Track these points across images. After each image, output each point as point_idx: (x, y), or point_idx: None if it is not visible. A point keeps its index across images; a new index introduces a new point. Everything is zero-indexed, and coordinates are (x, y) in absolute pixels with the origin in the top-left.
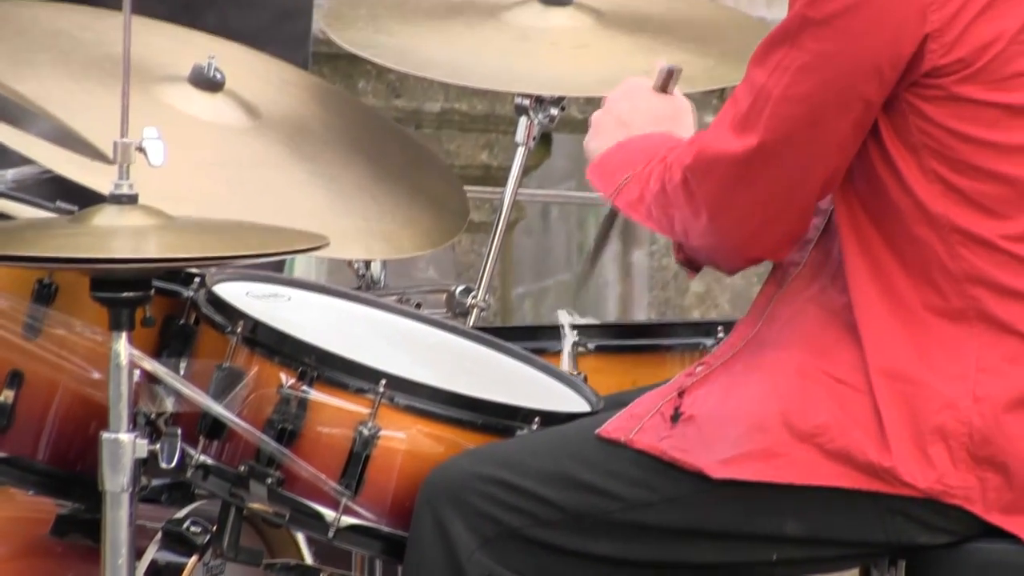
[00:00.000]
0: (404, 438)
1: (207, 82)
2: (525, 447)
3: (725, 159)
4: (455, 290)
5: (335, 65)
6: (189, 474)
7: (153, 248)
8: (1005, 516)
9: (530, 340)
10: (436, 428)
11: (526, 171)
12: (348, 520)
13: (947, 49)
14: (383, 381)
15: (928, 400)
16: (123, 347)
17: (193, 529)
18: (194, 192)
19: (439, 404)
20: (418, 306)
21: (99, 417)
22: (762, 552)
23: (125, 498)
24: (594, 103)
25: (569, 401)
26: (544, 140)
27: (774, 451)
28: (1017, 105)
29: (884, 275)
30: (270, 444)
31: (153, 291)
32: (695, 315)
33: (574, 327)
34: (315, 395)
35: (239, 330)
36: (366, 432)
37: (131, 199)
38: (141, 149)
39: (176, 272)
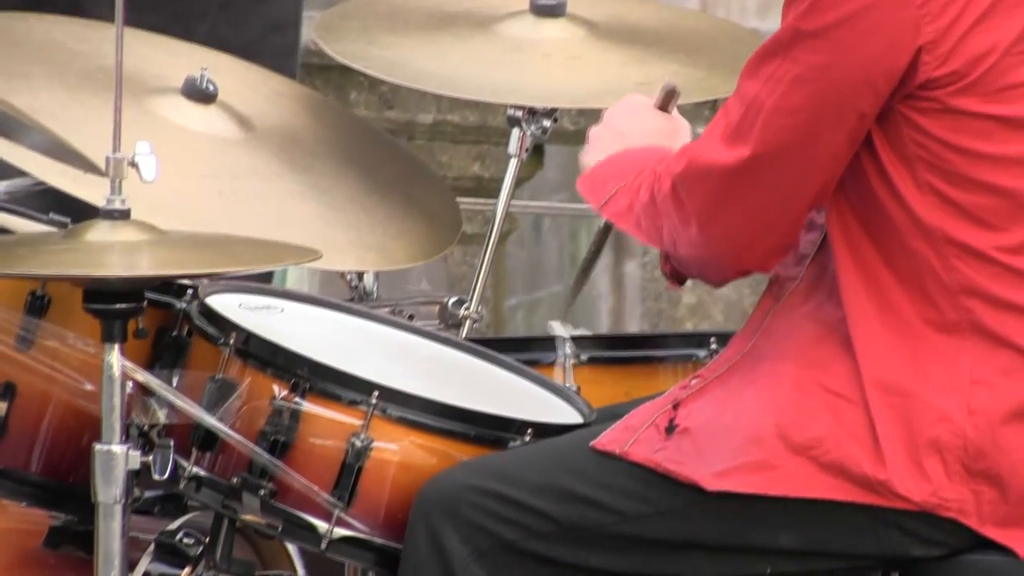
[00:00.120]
0: (397, 450)
1: (200, 94)
2: (519, 459)
3: (716, 170)
4: (448, 302)
5: (327, 77)
6: (182, 486)
7: (146, 264)
8: (1000, 529)
9: (523, 352)
10: (429, 440)
11: (518, 183)
12: (341, 532)
13: (941, 61)
14: (376, 393)
15: (923, 413)
16: (116, 359)
17: (186, 541)
18: (186, 203)
19: (432, 416)
20: (411, 318)
21: (92, 429)
22: (757, 564)
23: (118, 510)
24: (587, 115)
25: (562, 413)
26: (536, 152)
27: (769, 463)
28: (1012, 117)
29: (878, 287)
30: (263, 456)
31: (146, 303)
32: (688, 326)
33: (569, 338)
34: (308, 407)
35: (232, 342)
36: (359, 444)
37: (123, 214)
38: (133, 164)
39: (169, 284)
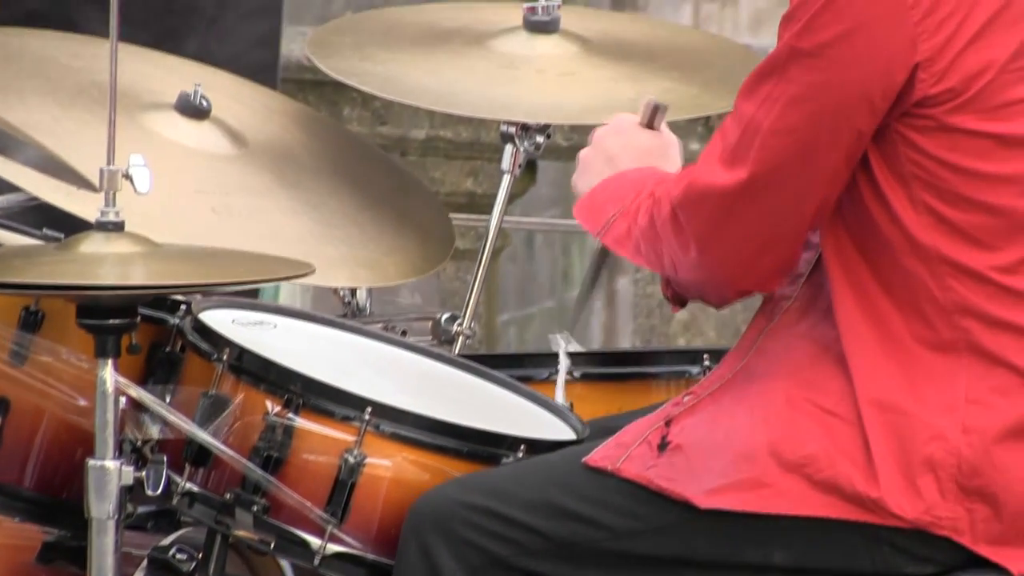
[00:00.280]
0: (390, 466)
1: (193, 110)
2: (511, 475)
3: (715, 192)
4: (440, 318)
5: (320, 92)
6: (175, 501)
7: (139, 275)
8: (993, 547)
9: (516, 368)
10: (422, 456)
11: (511, 198)
12: (334, 548)
13: (937, 78)
14: (369, 409)
15: (917, 431)
16: (109, 374)
17: (179, 556)
18: (179, 219)
19: (425, 432)
20: (404, 334)
21: (85, 444)
22: None
23: (111, 525)
24: (580, 130)
25: (555, 429)
26: (529, 167)
27: (762, 481)
28: (1008, 135)
29: (872, 306)
30: (256, 471)
31: (139, 318)
32: (680, 343)
33: (566, 353)
34: (301, 423)
35: (225, 357)
36: (352, 460)
37: (117, 226)
38: (128, 176)
39: (162, 299)
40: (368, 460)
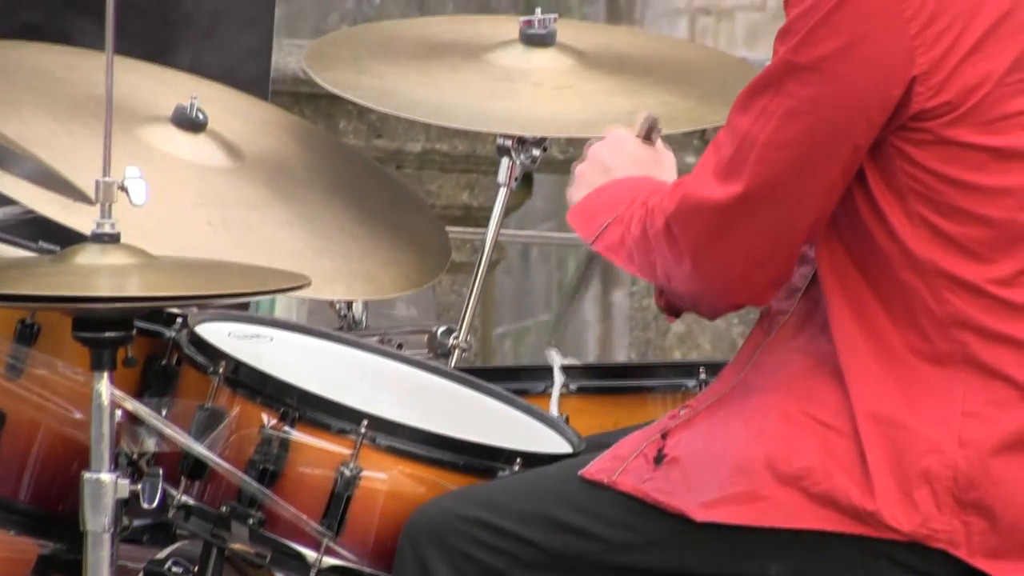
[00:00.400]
0: (386, 479)
1: (189, 123)
2: (507, 488)
3: (709, 206)
4: (436, 331)
5: (316, 105)
6: (171, 514)
7: (135, 287)
8: (990, 560)
9: (512, 381)
10: (418, 469)
11: (507, 211)
12: (330, 561)
13: (935, 92)
14: (365, 422)
15: (913, 444)
16: (105, 387)
17: (175, 570)
18: (175, 232)
19: (421, 445)
20: (399, 347)
21: (81, 457)
22: None
23: (106, 538)
24: (576, 144)
25: (551, 442)
26: (525, 181)
27: (758, 494)
28: (1004, 148)
29: (869, 319)
30: (252, 484)
31: (135, 331)
32: (676, 356)
33: (560, 367)
34: (297, 436)
35: (221, 370)
36: (348, 473)
37: (113, 238)
38: (123, 188)
39: (158, 312)
40: (364, 473)
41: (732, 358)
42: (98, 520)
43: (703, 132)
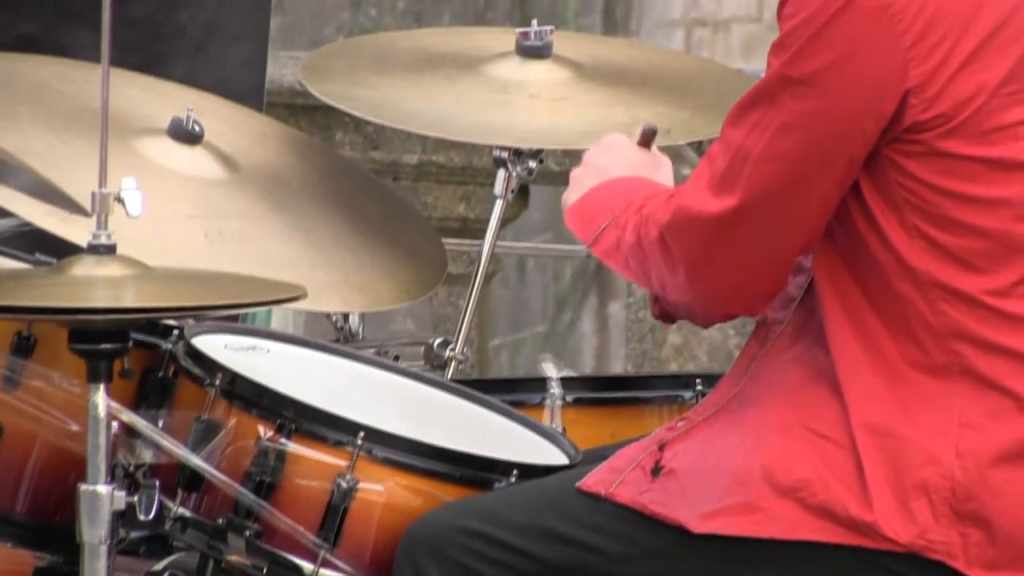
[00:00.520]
0: (382, 490)
1: (186, 135)
2: (504, 500)
3: (703, 219)
4: (433, 342)
5: (312, 117)
6: (167, 526)
7: (131, 298)
8: (986, 572)
9: (508, 392)
10: (414, 481)
11: (503, 223)
12: (326, 573)
13: (928, 104)
14: (361, 434)
15: (911, 455)
16: (101, 399)
17: None
18: (172, 244)
19: (417, 457)
20: (396, 358)
21: (77, 469)
22: None
23: (103, 550)
24: (572, 155)
25: (548, 454)
26: (521, 192)
27: (755, 506)
28: (998, 159)
29: (865, 331)
30: (248, 496)
31: (131, 343)
32: (672, 367)
33: (570, 380)
34: (293, 447)
35: (217, 382)
36: (344, 485)
37: (109, 249)
38: (119, 199)
39: (154, 324)
40: (361, 485)
41: (728, 369)
42: (94, 532)
43: (699, 144)
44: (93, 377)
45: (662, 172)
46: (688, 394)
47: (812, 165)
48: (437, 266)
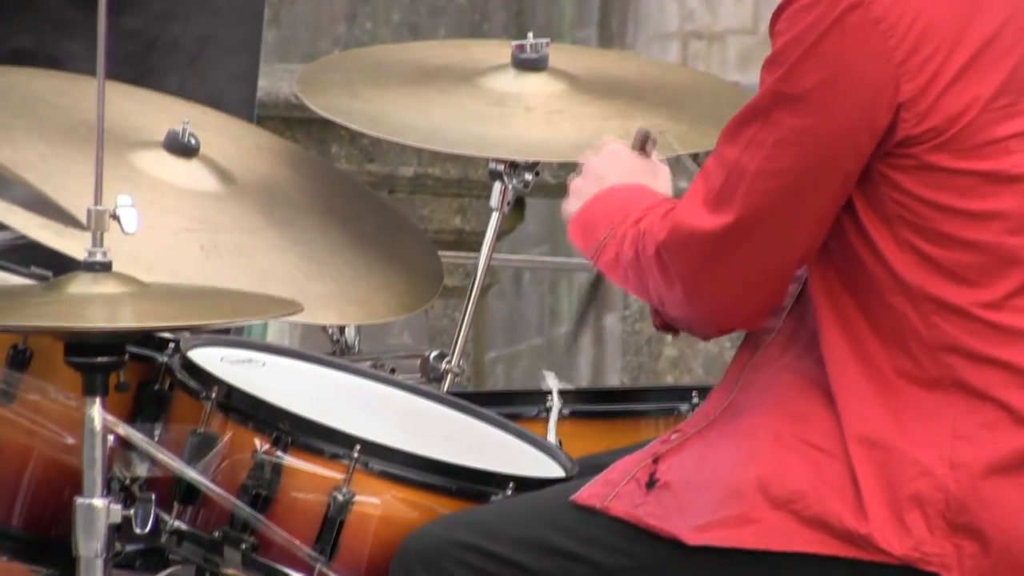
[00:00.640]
0: (379, 503)
1: (181, 148)
2: (500, 513)
3: (699, 236)
4: (429, 355)
5: (308, 130)
6: (163, 539)
7: (128, 316)
8: None
9: (505, 405)
10: (411, 494)
11: (499, 236)
12: None
13: (920, 118)
14: (357, 446)
15: (904, 467)
16: (97, 412)
17: None
18: (168, 257)
19: (413, 470)
20: (392, 371)
21: (73, 482)
22: None
23: (99, 563)
24: (568, 168)
25: (544, 466)
26: (517, 205)
27: (750, 517)
28: (990, 172)
29: (859, 343)
30: (244, 509)
31: (127, 356)
32: (668, 380)
33: (558, 392)
34: (289, 460)
35: (213, 395)
36: (340, 497)
37: (105, 266)
38: (115, 216)
39: (150, 337)
40: (357, 498)
41: (720, 379)
42: (91, 545)
43: (695, 156)
44: (89, 390)
45: (660, 179)
46: (684, 406)
47: (807, 181)
48: (433, 279)
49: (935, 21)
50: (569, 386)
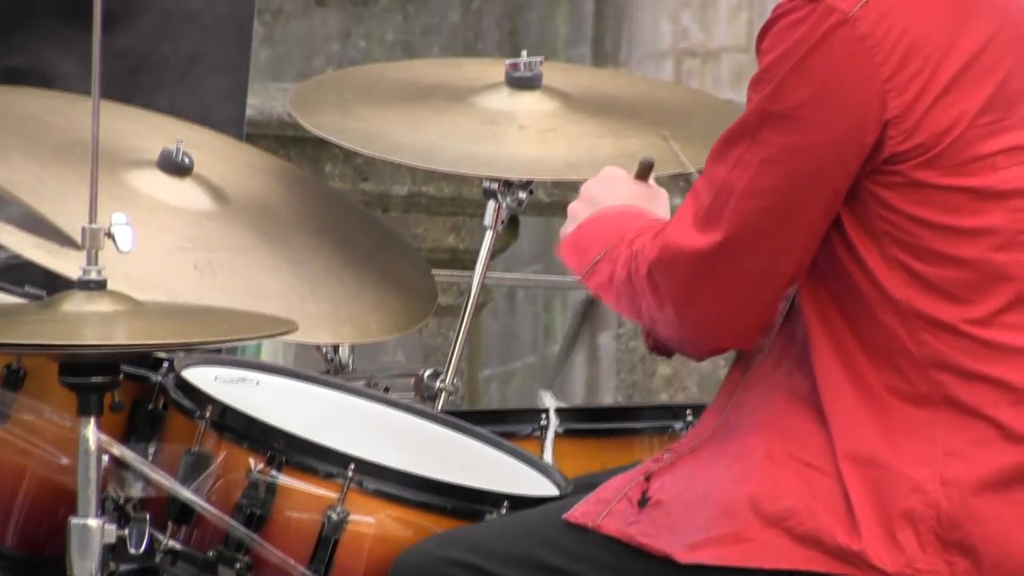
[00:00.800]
0: (373, 522)
1: (175, 167)
2: (492, 531)
3: (689, 255)
4: (423, 374)
5: (302, 149)
6: (158, 559)
7: (122, 334)
8: None
9: (499, 424)
10: (405, 512)
11: (493, 254)
12: None
13: (907, 135)
14: (352, 465)
15: (896, 484)
16: (91, 432)
17: None
18: (161, 276)
19: (408, 488)
20: (386, 390)
21: (68, 502)
22: None
23: None
24: (562, 186)
25: (538, 485)
26: (511, 223)
27: (742, 535)
28: (977, 188)
29: (849, 360)
30: (239, 529)
31: (121, 376)
32: (663, 398)
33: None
34: (284, 479)
35: (208, 415)
36: (335, 516)
37: (99, 285)
38: (109, 235)
39: (145, 357)
40: (351, 517)
41: (712, 399)
42: (85, 565)
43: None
44: (84, 410)
45: (658, 204)
46: (678, 425)
47: (796, 199)
48: (427, 297)
49: (921, 37)
50: (563, 404)
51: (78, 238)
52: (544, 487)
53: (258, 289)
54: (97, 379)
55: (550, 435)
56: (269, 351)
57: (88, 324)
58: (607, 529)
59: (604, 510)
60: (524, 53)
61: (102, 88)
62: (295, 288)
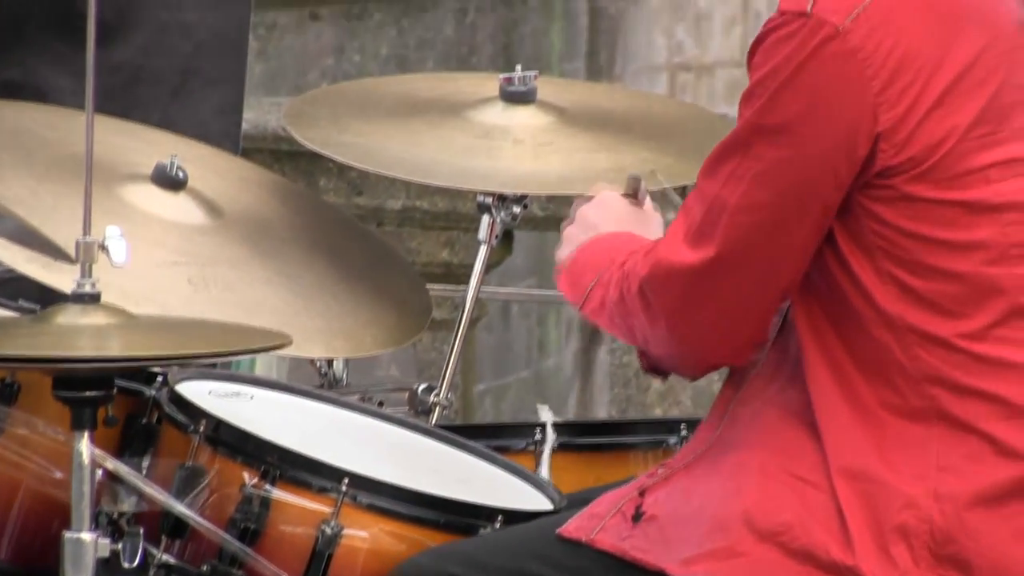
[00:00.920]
0: (367, 537)
1: (169, 181)
2: (487, 545)
3: (681, 271)
4: (417, 388)
5: (296, 163)
6: (151, 574)
7: (116, 347)
8: None
9: (493, 438)
10: (399, 527)
11: (487, 268)
12: None
13: (898, 149)
14: (346, 480)
15: (889, 499)
16: (85, 447)
17: None
18: (155, 291)
19: (402, 503)
20: (380, 404)
21: (61, 516)
22: None
23: None
24: (557, 201)
25: (532, 499)
26: (506, 237)
27: (736, 550)
28: (969, 202)
29: (843, 375)
30: (233, 543)
31: (115, 390)
32: (657, 412)
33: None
34: (277, 494)
35: (201, 429)
36: (329, 531)
37: (93, 298)
38: (104, 248)
39: (138, 371)
40: (345, 531)
41: (706, 415)
42: None
43: (684, 188)
44: (77, 425)
45: (651, 227)
46: (673, 439)
47: (788, 213)
48: (421, 312)
49: (912, 51)
50: (557, 418)
51: (72, 252)
52: (538, 502)
53: (252, 303)
54: (91, 393)
55: (547, 449)
56: (263, 365)
57: (82, 337)
58: (601, 544)
59: (598, 525)
60: (518, 67)
61: (96, 102)
62: (289, 303)
